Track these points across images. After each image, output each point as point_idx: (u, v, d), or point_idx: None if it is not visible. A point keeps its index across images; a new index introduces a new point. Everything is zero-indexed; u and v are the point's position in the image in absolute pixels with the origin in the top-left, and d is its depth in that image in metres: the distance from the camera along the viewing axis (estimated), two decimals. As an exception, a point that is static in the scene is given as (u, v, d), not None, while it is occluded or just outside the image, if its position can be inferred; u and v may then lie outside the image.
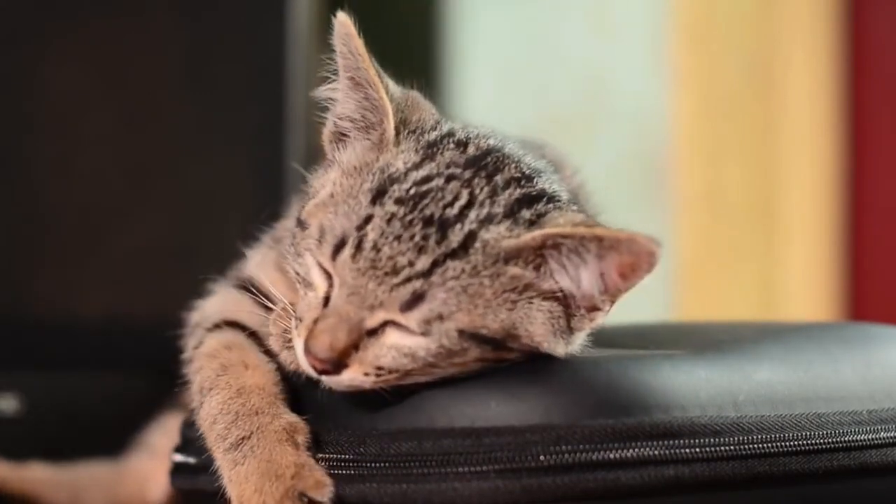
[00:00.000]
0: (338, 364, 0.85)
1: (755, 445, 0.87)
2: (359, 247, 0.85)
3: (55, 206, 1.57)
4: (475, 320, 0.84)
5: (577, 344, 0.89)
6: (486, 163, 0.90)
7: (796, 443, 0.88)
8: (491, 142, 0.93)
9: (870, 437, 0.91)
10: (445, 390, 0.86)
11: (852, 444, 0.91)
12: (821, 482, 0.90)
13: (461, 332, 0.84)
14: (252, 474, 0.86)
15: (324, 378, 0.86)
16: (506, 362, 0.87)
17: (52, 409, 1.51)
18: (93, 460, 1.33)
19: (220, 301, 1.01)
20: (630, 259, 0.85)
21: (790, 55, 2.30)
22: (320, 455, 0.88)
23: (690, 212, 2.23)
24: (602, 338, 1.01)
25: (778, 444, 0.88)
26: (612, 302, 0.88)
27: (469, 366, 0.86)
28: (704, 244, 2.25)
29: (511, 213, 0.87)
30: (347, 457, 0.87)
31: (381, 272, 0.84)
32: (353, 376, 0.85)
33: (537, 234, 0.85)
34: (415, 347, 0.84)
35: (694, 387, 0.87)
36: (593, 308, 0.88)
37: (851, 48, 2.38)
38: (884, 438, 0.92)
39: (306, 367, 0.86)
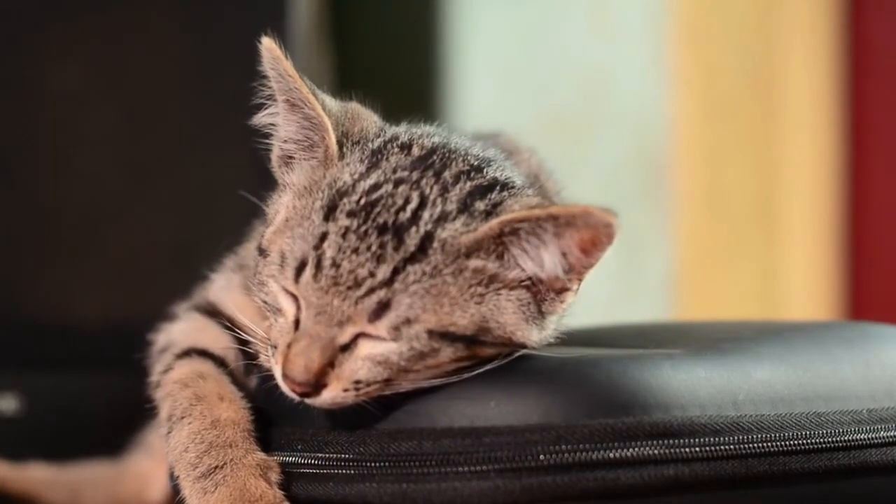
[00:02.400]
0: (316, 385, 0.85)
1: (755, 445, 0.87)
2: (318, 266, 0.84)
3: (55, 206, 1.57)
4: (443, 319, 0.84)
5: (552, 328, 0.90)
6: (432, 161, 0.90)
7: (796, 442, 0.88)
8: (435, 139, 0.93)
9: (869, 436, 0.91)
10: (445, 390, 0.86)
11: (852, 443, 0.91)
12: (820, 481, 0.90)
13: (430, 333, 0.84)
14: (223, 502, 0.86)
15: (306, 400, 0.86)
16: (483, 360, 0.86)
17: (52, 409, 1.51)
18: (93, 460, 1.33)
19: (187, 327, 1.01)
20: (588, 233, 0.84)
21: (790, 55, 2.30)
22: (320, 455, 0.88)
23: (690, 212, 2.23)
24: (602, 337, 1.01)
25: (777, 443, 0.88)
26: (580, 280, 0.88)
27: (444, 367, 0.86)
28: (704, 244, 2.25)
29: (465, 207, 0.87)
30: (347, 456, 0.87)
31: (344, 287, 0.84)
32: (333, 394, 0.85)
33: (493, 223, 0.85)
34: (387, 353, 0.84)
35: (693, 386, 0.87)
36: (562, 289, 0.88)
37: (851, 48, 2.38)
38: (883, 438, 0.92)
39: (287, 392, 0.86)
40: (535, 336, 0.88)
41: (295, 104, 0.91)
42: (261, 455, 0.89)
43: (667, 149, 2.22)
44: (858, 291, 2.38)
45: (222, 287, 1.01)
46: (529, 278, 0.87)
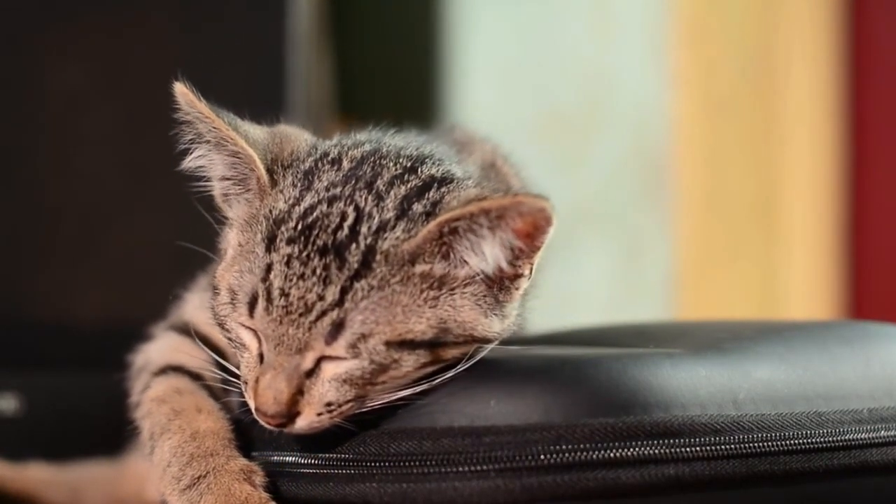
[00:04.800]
0: (289, 414, 0.85)
1: (755, 444, 0.87)
2: (269, 298, 0.84)
3: (55, 207, 1.57)
4: (398, 328, 0.84)
5: (513, 315, 0.89)
6: (362, 172, 0.89)
7: (796, 441, 0.88)
8: (366, 147, 0.92)
9: (870, 435, 0.91)
10: (445, 389, 0.86)
11: (852, 442, 0.90)
12: (821, 481, 0.89)
13: (388, 344, 0.84)
14: None
15: (284, 430, 0.86)
16: (449, 363, 0.86)
17: (52, 409, 1.51)
18: (93, 460, 1.33)
19: (164, 345, 1.01)
20: (525, 221, 0.84)
21: (790, 55, 2.30)
22: (320, 455, 0.88)
23: (690, 212, 2.23)
24: (602, 337, 1.00)
25: (778, 442, 0.87)
26: (531, 264, 0.87)
27: (411, 376, 0.86)
28: (704, 244, 2.25)
29: (403, 212, 0.86)
30: (347, 456, 0.87)
31: (296, 314, 0.84)
32: (309, 420, 0.85)
33: (431, 226, 0.85)
34: (350, 371, 0.84)
35: (694, 385, 0.87)
36: (514, 276, 0.87)
37: (852, 48, 2.38)
38: (884, 437, 0.92)
39: (264, 424, 0.86)
40: (497, 327, 0.88)
41: (219, 143, 0.91)
42: (243, 461, 0.90)
43: (667, 149, 2.22)
44: (858, 291, 2.38)
45: (196, 306, 1.01)
46: (479, 272, 0.86)
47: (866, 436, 0.91)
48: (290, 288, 0.84)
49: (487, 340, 0.87)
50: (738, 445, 0.86)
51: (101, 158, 1.57)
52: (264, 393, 0.85)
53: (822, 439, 0.89)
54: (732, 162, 2.28)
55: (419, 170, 0.89)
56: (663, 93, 2.22)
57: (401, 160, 0.90)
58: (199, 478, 0.88)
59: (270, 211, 0.88)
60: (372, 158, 0.90)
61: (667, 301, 2.22)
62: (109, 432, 1.28)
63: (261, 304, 0.85)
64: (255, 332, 0.86)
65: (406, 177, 0.88)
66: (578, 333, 1.10)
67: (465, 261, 0.86)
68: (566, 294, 2.13)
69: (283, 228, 0.86)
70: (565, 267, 2.12)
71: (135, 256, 1.56)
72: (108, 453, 1.31)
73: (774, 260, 2.29)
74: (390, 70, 2.24)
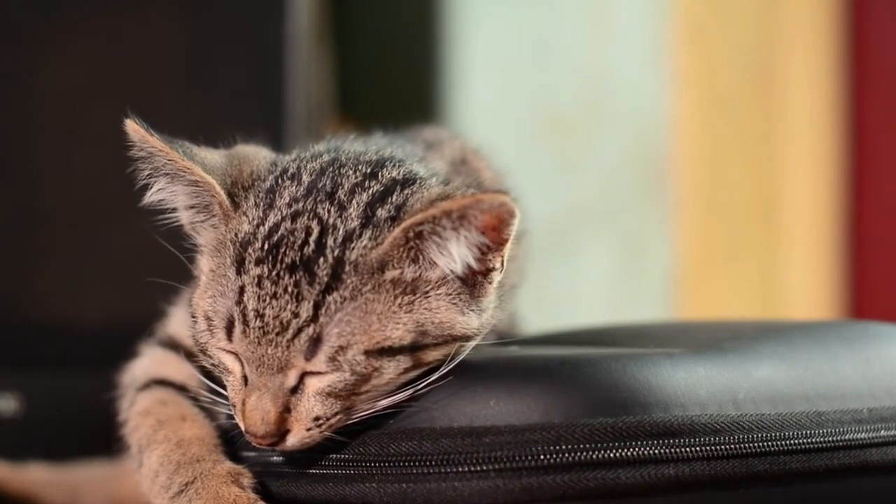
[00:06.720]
0: (279, 433, 0.85)
1: (755, 444, 0.87)
2: (244, 320, 0.85)
3: (55, 207, 1.57)
4: (374, 337, 0.84)
5: (492, 309, 0.89)
6: (322, 184, 0.88)
7: (796, 441, 0.88)
8: (324, 158, 0.91)
9: (870, 435, 0.91)
10: (445, 389, 0.86)
11: (852, 442, 0.91)
12: (821, 481, 0.90)
13: (367, 353, 0.84)
14: None
15: (276, 449, 0.86)
16: (433, 367, 0.86)
17: (52, 409, 1.51)
18: (92, 460, 1.33)
19: (148, 361, 1.01)
20: (488, 217, 0.84)
21: (790, 55, 2.30)
22: (321, 455, 0.88)
23: (690, 212, 2.23)
24: (602, 337, 1.00)
25: (778, 442, 0.88)
26: (501, 256, 0.87)
27: (395, 382, 0.86)
28: (704, 244, 2.25)
29: (367, 219, 0.86)
30: (347, 457, 0.87)
31: (273, 334, 0.84)
32: (300, 436, 0.86)
33: (396, 232, 0.85)
34: (333, 384, 0.84)
35: (693, 385, 0.87)
36: (486, 271, 0.87)
37: (852, 47, 2.38)
38: (884, 437, 0.92)
39: (255, 445, 0.87)
40: (475, 323, 0.88)
41: (176, 174, 0.90)
42: (230, 464, 0.90)
43: (667, 149, 2.22)
44: (858, 291, 2.38)
45: (181, 321, 1.01)
46: (450, 272, 0.86)
47: (866, 436, 0.91)
48: (264, 308, 0.84)
49: (467, 338, 0.87)
50: (737, 445, 0.86)
51: (100, 158, 1.57)
52: (251, 414, 0.85)
53: (822, 439, 0.89)
54: (732, 162, 2.28)
55: (380, 174, 0.89)
56: (663, 93, 2.22)
57: (360, 167, 0.90)
58: (187, 484, 0.89)
59: (236, 234, 0.88)
60: (331, 168, 0.90)
61: (667, 301, 2.22)
62: (109, 432, 1.28)
63: (238, 327, 0.85)
64: (235, 355, 0.87)
65: (367, 183, 0.88)
66: (578, 333, 1.10)
67: (434, 262, 0.85)
68: (566, 294, 2.13)
69: (250, 250, 0.86)
70: (565, 267, 2.12)
71: (134, 256, 1.56)
72: (108, 453, 1.31)
73: (774, 260, 2.29)
74: (390, 70, 2.24)
